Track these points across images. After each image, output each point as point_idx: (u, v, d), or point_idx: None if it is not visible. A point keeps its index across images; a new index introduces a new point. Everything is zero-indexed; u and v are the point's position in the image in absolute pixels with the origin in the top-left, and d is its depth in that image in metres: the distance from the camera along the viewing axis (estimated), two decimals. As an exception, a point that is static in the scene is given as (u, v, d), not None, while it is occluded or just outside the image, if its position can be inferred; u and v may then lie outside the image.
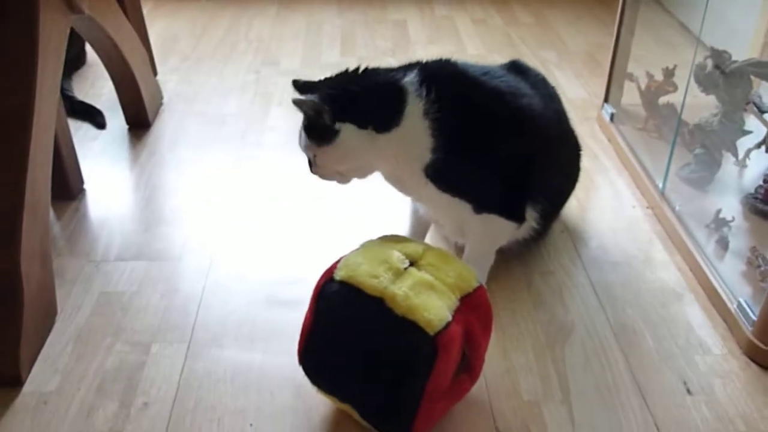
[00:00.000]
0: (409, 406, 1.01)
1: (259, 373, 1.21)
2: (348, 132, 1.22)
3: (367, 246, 1.15)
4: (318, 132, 1.25)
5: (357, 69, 1.28)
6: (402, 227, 1.49)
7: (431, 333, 0.99)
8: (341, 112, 1.22)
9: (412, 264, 1.09)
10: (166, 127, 2.01)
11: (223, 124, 2.03)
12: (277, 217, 1.63)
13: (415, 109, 1.23)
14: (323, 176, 1.31)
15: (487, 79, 1.32)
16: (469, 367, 1.10)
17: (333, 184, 1.71)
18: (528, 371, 1.22)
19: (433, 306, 1.01)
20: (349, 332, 1.05)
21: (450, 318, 1.01)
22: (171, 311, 1.34)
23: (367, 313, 1.03)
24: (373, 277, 1.04)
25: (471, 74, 1.32)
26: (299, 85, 1.31)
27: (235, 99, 2.17)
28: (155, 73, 2.27)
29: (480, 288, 1.09)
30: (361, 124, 1.22)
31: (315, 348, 1.09)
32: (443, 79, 1.27)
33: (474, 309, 1.07)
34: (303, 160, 1.84)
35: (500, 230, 1.36)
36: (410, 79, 1.24)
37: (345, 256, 1.12)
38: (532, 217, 1.38)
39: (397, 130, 1.23)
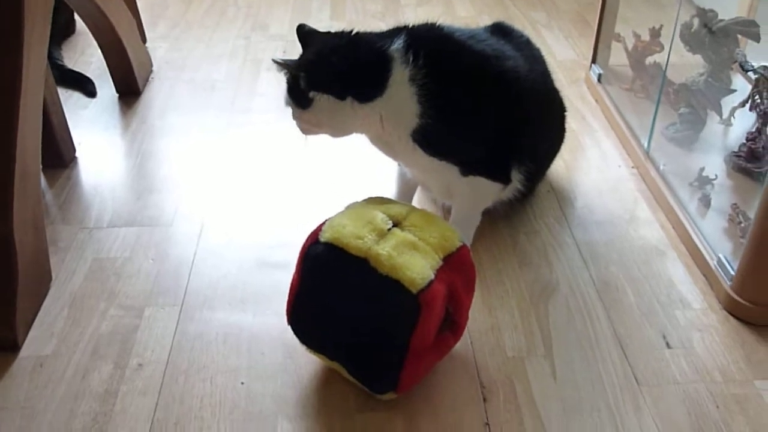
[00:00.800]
0: (394, 362, 1.05)
1: (250, 333, 1.24)
2: (324, 102, 1.24)
3: (352, 208, 1.17)
4: (296, 95, 1.27)
5: (346, 33, 1.29)
6: (390, 190, 1.51)
7: (414, 291, 1.01)
8: (318, 84, 1.23)
9: (395, 225, 1.11)
10: (156, 94, 2.02)
11: (213, 90, 2.03)
12: (266, 182, 1.65)
13: (400, 76, 1.24)
14: (303, 131, 1.34)
15: (473, 42, 1.33)
16: (453, 324, 1.13)
17: (321, 149, 1.74)
18: (512, 328, 1.25)
19: (415, 265, 1.03)
20: (335, 292, 1.08)
21: (433, 276, 1.04)
22: (163, 276, 1.37)
23: (351, 273, 1.05)
24: (357, 238, 1.06)
25: (456, 38, 1.33)
26: (303, 33, 1.32)
27: (225, 65, 2.17)
28: (144, 40, 2.27)
29: (463, 248, 1.12)
30: (340, 95, 1.23)
31: (302, 308, 1.12)
32: (429, 44, 1.27)
33: (457, 268, 1.10)
34: (293, 126, 1.86)
35: (486, 192, 1.38)
36: (396, 46, 1.25)
37: (330, 218, 1.14)
38: (517, 178, 1.40)
39: (380, 99, 1.24)
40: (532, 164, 1.41)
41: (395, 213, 1.13)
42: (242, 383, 1.15)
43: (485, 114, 1.30)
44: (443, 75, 1.26)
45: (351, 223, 1.09)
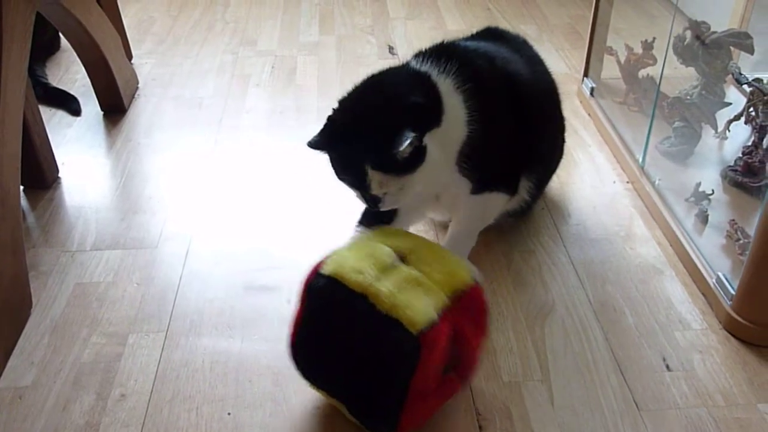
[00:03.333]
0: (394, 403, 1.00)
1: (237, 361, 1.20)
2: (430, 143, 1.14)
3: (357, 240, 1.13)
4: (401, 163, 1.12)
5: (375, 80, 1.20)
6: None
7: (414, 331, 0.96)
8: (422, 128, 1.13)
9: (402, 258, 1.06)
10: (141, 111, 1.98)
11: (200, 107, 2.00)
12: (255, 202, 1.61)
13: (446, 89, 1.18)
14: (394, 205, 1.21)
15: (486, 52, 1.30)
16: (460, 366, 1.06)
17: (311, 169, 1.71)
18: (508, 352, 1.22)
19: (417, 304, 0.98)
20: (335, 328, 1.03)
21: (435, 316, 0.99)
22: (148, 301, 1.33)
23: (351, 309, 1.00)
24: (358, 273, 1.01)
25: (472, 48, 1.31)
26: (336, 130, 1.17)
27: (212, 81, 2.14)
28: (130, 57, 2.23)
29: (475, 287, 1.06)
30: (430, 128, 1.15)
31: (304, 343, 1.07)
32: (455, 58, 1.22)
33: (466, 307, 1.04)
34: (282, 142, 1.84)
35: (495, 206, 1.36)
36: (427, 67, 1.20)
37: (335, 249, 1.09)
38: (525, 187, 1.37)
39: (438, 129, 1.17)
40: (539, 171, 1.38)
41: (402, 246, 1.08)
42: (229, 413, 1.11)
43: (513, 124, 1.28)
44: (482, 91, 1.21)
45: (353, 256, 1.05)
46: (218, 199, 1.62)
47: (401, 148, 1.07)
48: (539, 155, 1.37)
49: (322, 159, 1.69)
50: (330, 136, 1.16)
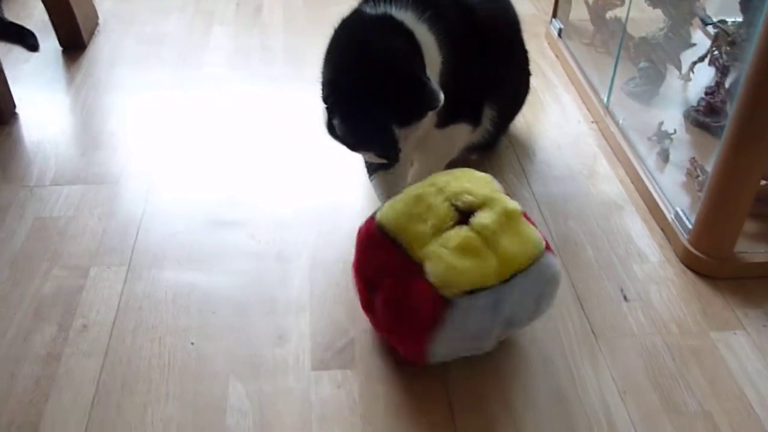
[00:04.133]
0: None
1: (200, 293, 1.20)
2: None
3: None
4: (417, 111, 1.12)
5: (361, 40, 1.17)
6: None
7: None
8: (424, 71, 1.14)
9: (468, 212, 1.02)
10: (102, 48, 1.93)
11: (163, 44, 1.95)
12: (218, 138, 1.59)
13: (413, 23, 1.17)
14: (405, 154, 1.20)
15: None
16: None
17: (276, 105, 1.69)
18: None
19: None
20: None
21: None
22: (109, 235, 1.31)
23: None
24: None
25: None
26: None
27: (175, 18, 2.09)
28: (90, -8, 2.17)
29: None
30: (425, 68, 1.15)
31: None
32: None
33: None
34: (247, 81, 1.81)
35: (459, 138, 1.35)
36: (385, 7, 1.18)
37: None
38: (488, 117, 1.37)
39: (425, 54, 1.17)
40: (502, 99, 1.38)
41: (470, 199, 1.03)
42: (192, 343, 1.11)
43: (472, 50, 1.27)
44: (441, 18, 1.20)
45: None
46: (181, 137, 1.60)
47: (439, 101, 1.08)
48: (500, 82, 1.37)
49: (284, 97, 1.68)
50: (347, 112, 1.12)
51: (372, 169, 1.32)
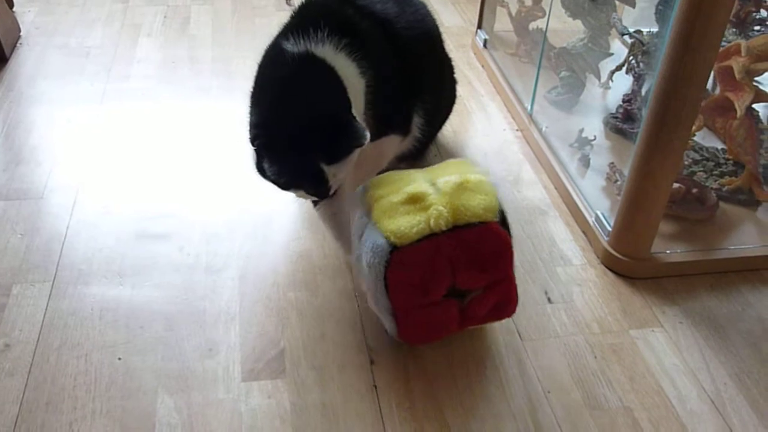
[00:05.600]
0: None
1: (128, 308, 1.19)
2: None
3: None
4: (344, 148, 1.14)
5: (284, 86, 1.17)
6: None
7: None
8: (349, 107, 1.16)
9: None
10: (24, 61, 1.89)
11: (88, 56, 1.92)
12: (146, 152, 1.58)
13: (331, 56, 1.18)
14: (339, 184, 1.21)
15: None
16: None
17: (203, 118, 1.68)
18: (400, 291, 1.25)
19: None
20: None
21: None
22: (33, 251, 1.29)
23: None
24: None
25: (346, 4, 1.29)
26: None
27: (100, 30, 2.06)
28: (11, 4, 2.11)
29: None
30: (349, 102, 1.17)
31: None
32: (322, 18, 1.20)
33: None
34: (175, 93, 1.79)
35: (389, 149, 1.37)
36: (305, 44, 1.17)
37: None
38: (417, 125, 1.39)
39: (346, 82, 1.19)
40: (429, 106, 1.40)
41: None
42: (119, 359, 1.10)
43: (394, 61, 1.29)
44: (359, 40, 1.21)
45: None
46: (108, 150, 1.57)
47: (365, 138, 1.11)
48: (426, 91, 1.39)
49: (213, 108, 1.68)
50: (276, 154, 1.14)
51: (316, 200, 1.33)
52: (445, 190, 1.08)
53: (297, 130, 1.13)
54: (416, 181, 1.11)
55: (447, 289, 1.07)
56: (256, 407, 1.04)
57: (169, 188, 1.46)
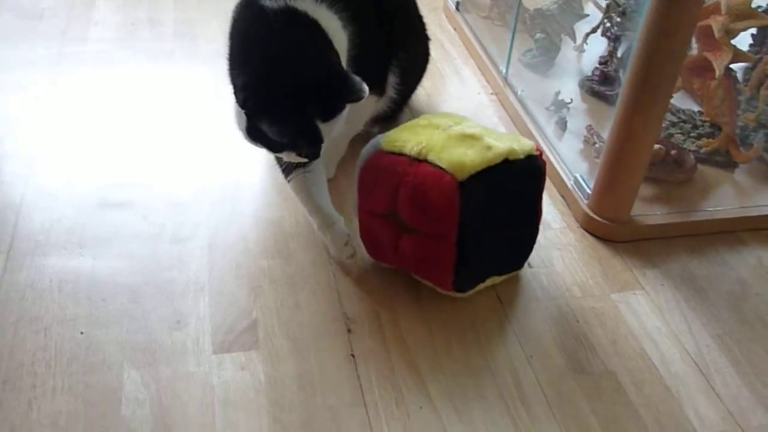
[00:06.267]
0: None
1: (89, 279, 1.12)
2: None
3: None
4: (340, 104, 1.10)
5: (272, 38, 1.11)
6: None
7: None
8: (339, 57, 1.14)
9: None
10: (-28, 24, 1.79)
11: (41, 18, 1.82)
12: (106, 117, 1.50)
13: (313, 8, 1.13)
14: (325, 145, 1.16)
15: None
16: None
17: (164, 83, 1.61)
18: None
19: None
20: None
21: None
22: (-15, 222, 1.21)
23: None
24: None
25: None
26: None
27: (54, -8, 1.96)
28: (-43, -36, 2.00)
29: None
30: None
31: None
32: None
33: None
34: (135, 56, 1.71)
35: (365, 110, 1.33)
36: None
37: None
38: (391, 84, 1.35)
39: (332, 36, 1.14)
40: (403, 64, 1.35)
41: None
42: (81, 333, 1.04)
43: (375, 21, 1.26)
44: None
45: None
46: (65, 117, 1.49)
47: (363, 92, 1.06)
48: (401, 47, 1.34)
49: (176, 72, 1.60)
50: (271, 115, 1.07)
51: (288, 170, 1.25)
52: (452, 133, 1.08)
53: (291, 89, 1.07)
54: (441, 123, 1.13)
55: (389, 210, 1.08)
56: (229, 380, 0.99)
57: (131, 156, 1.39)
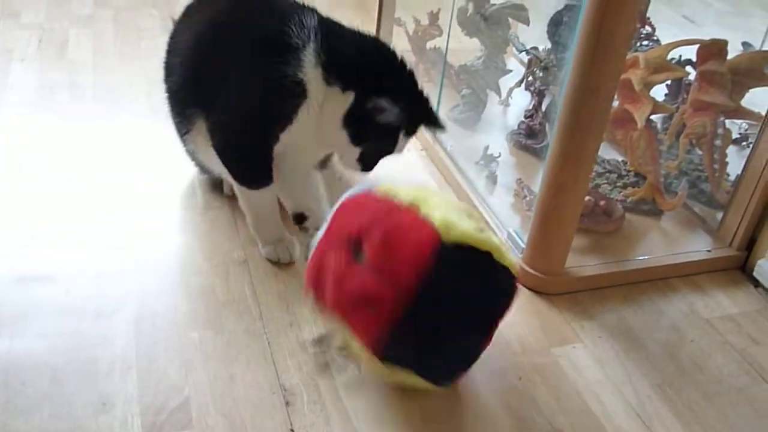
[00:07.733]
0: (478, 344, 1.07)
1: (6, 361, 1.05)
2: None
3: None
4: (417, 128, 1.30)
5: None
6: (169, 187, 1.37)
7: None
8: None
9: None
10: None
11: (-48, 85, 1.75)
12: (22, 184, 1.43)
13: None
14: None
15: None
16: None
17: (84, 147, 1.55)
18: (312, 322, 1.17)
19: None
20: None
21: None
22: None
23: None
24: (479, 231, 0.99)
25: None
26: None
27: (-34, 57, 1.88)
28: None
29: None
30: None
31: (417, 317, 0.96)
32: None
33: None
34: (54, 119, 1.65)
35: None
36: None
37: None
38: None
39: None
40: None
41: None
42: (-3, 422, 0.96)
43: None
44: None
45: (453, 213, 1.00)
46: (-23, 186, 1.42)
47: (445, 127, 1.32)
48: None
49: (97, 136, 1.54)
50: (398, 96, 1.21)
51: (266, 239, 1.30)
52: (452, 202, 1.08)
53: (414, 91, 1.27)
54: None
55: (354, 235, 0.99)
56: (161, 465, 0.93)
57: (50, 225, 1.33)
